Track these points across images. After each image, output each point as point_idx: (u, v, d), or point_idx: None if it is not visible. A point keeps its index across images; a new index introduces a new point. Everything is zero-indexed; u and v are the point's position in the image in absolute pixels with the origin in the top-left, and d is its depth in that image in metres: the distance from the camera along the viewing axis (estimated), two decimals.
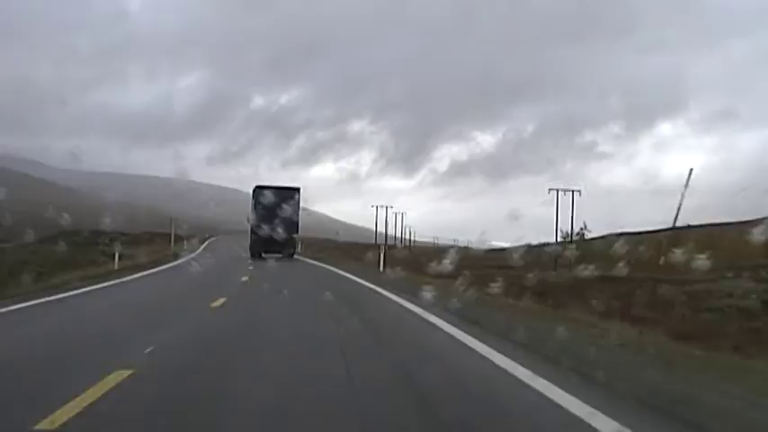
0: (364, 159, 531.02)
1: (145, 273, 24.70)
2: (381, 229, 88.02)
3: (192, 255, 40.72)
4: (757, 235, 21.10)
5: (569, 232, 54.65)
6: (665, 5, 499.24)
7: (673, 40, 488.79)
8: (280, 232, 35.96)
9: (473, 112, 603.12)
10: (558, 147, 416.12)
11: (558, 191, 55.38)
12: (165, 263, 32.04)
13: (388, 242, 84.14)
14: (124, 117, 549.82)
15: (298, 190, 40.61)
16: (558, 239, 56.16)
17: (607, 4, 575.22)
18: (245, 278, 21.99)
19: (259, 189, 39.82)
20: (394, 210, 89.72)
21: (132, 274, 23.23)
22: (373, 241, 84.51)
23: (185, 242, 49.25)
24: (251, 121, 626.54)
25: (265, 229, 36.35)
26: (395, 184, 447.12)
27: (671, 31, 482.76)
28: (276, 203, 36.30)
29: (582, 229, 55.91)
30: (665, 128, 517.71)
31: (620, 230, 57.05)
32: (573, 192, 55.66)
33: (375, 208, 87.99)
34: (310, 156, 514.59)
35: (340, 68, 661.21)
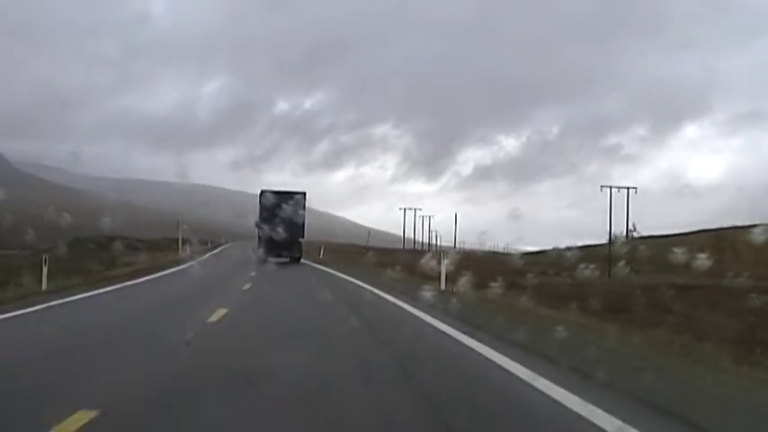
0: (388, 164, 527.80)
1: (76, 297, 16.20)
2: (409, 233, 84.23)
3: (191, 263, 35.94)
4: None
5: (617, 234, 50.06)
6: (692, 5, 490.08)
7: (700, 41, 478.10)
8: (286, 237, 36.08)
9: (497, 115, 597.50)
10: (583, 149, 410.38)
11: (611, 188, 49.67)
12: (144, 275, 24.82)
13: (415, 246, 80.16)
14: (145, 123, 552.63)
15: (303, 194, 40.54)
16: (585, 243, 52.01)
17: (633, 5, 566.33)
18: (221, 311, 12.58)
19: (265, 194, 39.66)
20: (422, 213, 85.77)
21: (57, 299, 15.27)
22: (400, 245, 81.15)
23: (188, 248, 44.26)
24: (274, 126, 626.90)
25: (271, 234, 36.05)
26: (418, 188, 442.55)
27: (698, 32, 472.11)
28: (282, 208, 36.55)
29: (631, 230, 50.85)
30: (691, 130, 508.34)
31: (662, 232, 53.36)
32: (628, 189, 50.37)
33: (403, 210, 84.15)
34: (333, 160, 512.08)
35: (363, 72, 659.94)
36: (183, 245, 45.51)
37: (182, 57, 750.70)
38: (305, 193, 40.67)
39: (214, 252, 58.10)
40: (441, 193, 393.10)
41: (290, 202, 38.01)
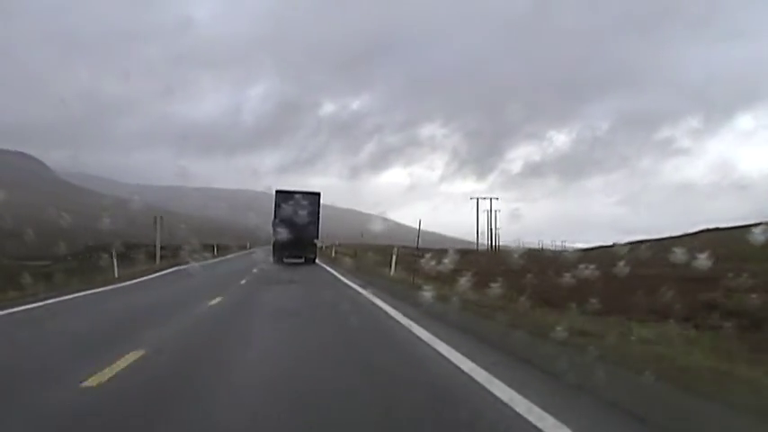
0: (436, 163, 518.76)
1: None
2: (457, 230, 76.52)
3: (160, 274, 28.66)
4: None
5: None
6: None
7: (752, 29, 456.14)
8: (300, 237, 36.18)
9: (547, 111, 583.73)
10: (634, 143, 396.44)
11: None
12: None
13: (492, 247, 71.21)
14: (190, 129, 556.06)
15: (318, 194, 40.33)
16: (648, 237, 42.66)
17: None
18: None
19: (280, 194, 39.36)
20: (489, 207, 77.17)
21: None
22: (447, 245, 73.81)
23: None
24: (319, 130, 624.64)
25: (286, 234, 35.69)
26: (467, 187, 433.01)
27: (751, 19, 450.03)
28: (297, 208, 36.84)
29: None
30: (745, 120, 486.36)
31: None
32: None
33: (476, 200, 76.26)
34: (380, 162, 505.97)
35: (411, 71, 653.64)
36: (211, 250, 38.99)
37: (225, 62, 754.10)
38: (319, 193, 40.33)
39: (220, 258, 49.02)
40: (489, 192, 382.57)
41: (305, 202, 38.13)
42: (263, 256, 44.12)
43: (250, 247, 72.21)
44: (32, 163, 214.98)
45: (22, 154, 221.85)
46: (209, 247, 54.29)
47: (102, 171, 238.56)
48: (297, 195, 39.29)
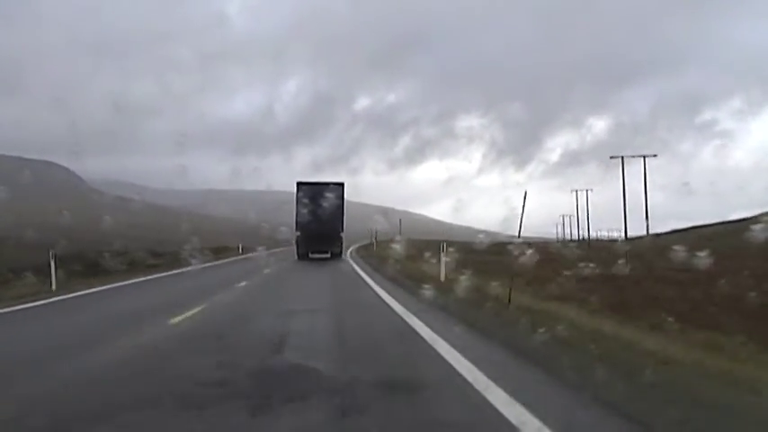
0: (473, 155, 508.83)
1: None
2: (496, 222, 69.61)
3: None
4: None
5: None
6: None
7: None
8: (324, 230, 35.58)
9: (586, 98, 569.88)
10: (675, 127, 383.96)
11: None
12: None
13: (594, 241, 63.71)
14: (221, 131, 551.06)
15: (341, 185, 38.42)
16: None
17: None
18: None
19: (301, 185, 37.76)
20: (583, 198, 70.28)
21: None
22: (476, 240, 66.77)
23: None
24: (353, 127, 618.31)
25: (310, 228, 35.24)
26: (505, 178, 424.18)
27: None
28: (319, 200, 35.65)
29: None
30: None
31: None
32: None
33: (620, 159, 65.97)
34: (416, 155, 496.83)
35: (447, 62, 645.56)
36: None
37: (256, 59, 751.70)
38: (343, 184, 38.42)
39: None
40: (528, 182, 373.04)
41: (328, 194, 36.53)
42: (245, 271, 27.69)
43: (242, 252, 49.46)
44: (61, 172, 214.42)
45: (50, 163, 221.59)
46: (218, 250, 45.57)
47: (133, 177, 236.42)
48: (319, 186, 37.53)
